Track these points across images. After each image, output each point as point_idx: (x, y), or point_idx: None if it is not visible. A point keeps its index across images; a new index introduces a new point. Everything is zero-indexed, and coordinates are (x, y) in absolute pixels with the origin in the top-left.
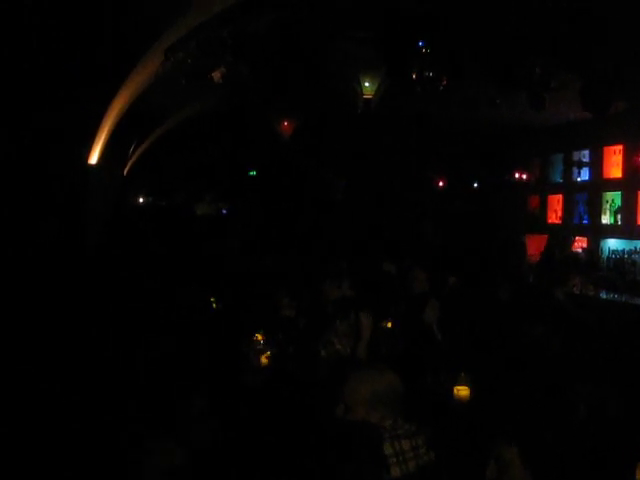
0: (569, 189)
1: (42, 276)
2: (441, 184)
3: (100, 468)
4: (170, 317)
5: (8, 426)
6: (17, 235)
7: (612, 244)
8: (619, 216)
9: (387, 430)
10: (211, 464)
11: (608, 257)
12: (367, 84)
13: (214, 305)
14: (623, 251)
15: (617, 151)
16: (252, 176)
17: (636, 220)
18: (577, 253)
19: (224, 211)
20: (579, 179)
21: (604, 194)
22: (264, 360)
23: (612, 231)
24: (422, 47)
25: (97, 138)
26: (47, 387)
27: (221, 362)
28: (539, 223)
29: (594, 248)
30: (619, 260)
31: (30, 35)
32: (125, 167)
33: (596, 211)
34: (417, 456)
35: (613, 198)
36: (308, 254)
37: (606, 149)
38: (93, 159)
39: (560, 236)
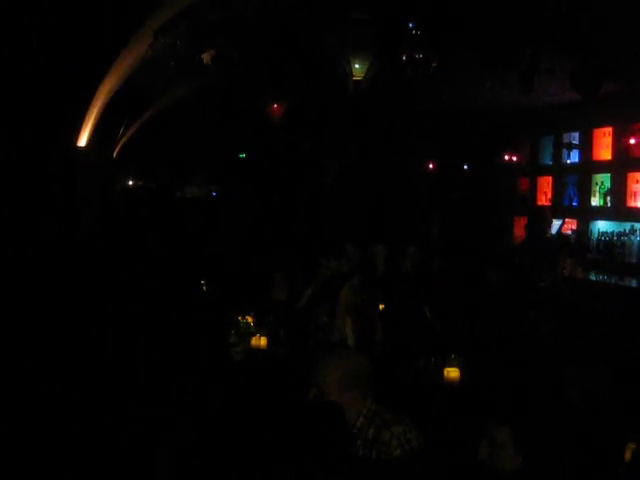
0: (559, 171)
1: (34, 262)
2: (431, 166)
3: (100, 467)
4: (162, 302)
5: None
6: (6, 220)
7: (602, 226)
8: (608, 198)
9: (365, 418)
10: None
11: (597, 239)
12: (357, 66)
13: (204, 287)
14: (612, 233)
15: (607, 133)
16: (242, 159)
17: (625, 202)
18: (567, 235)
19: (214, 194)
20: (569, 161)
21: (594, 176)
22: (254, 342)
23: (601, 213)
24: (412, 29)
25: (86, 120)
26: (43, 382)
27: (211, 344)
28: (528, 205)
29: (583, 230)
30: (608, 242)
31: (17, 15)
32: (115, 149)
33: (586, 193)
34: (402, 443)
35: (603, 180)
36: (301, 238)
37: (596, 131)
38: (82, 141)
39: (542, 215)
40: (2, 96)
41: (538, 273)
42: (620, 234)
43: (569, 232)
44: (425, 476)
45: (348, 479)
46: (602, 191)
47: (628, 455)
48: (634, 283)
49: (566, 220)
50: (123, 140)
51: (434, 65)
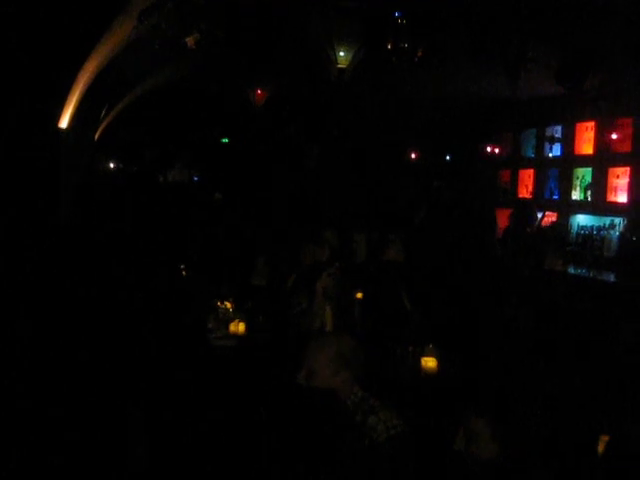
0: (540, 164)
1: (14, 245)
2: (413, 156)
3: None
4: (139, 288)
5: None
6: None
7: (581, 220)
8: (589, 192)
9: (353, 403)
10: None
11: (577, 233)
12: (342, 53)
13: (184, 273)
14: (592, 227)
15: (589, 128)
16: (224, 143)
17: (606, 197)
18: (546, 228)
19: (195, 178)
20: (551, 154)
21: (575, 170)
22: (233, 328)
23: (582, 207)
24: (398, 18)
25: (68, 101)
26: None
27: (190, 329)
28: (509, 197)
29: (563, 223)
30: (588, 236)
31: None
32: (96, 132)
33: (567, 187)
34: (388, 428)
35: (584, 174)
36: (281, 222)
37: (578, 125)
38: (64, 123)
39: (527, 209)
40: None
41: (520, 264)
42: (600, 228)
43: (549, 225)
44: (408, 461)
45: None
46: (583, 185)
47: (601, 447)
48: (612, 277)
49: (546, 213)
50: (105, 123)
51: (419, 55)
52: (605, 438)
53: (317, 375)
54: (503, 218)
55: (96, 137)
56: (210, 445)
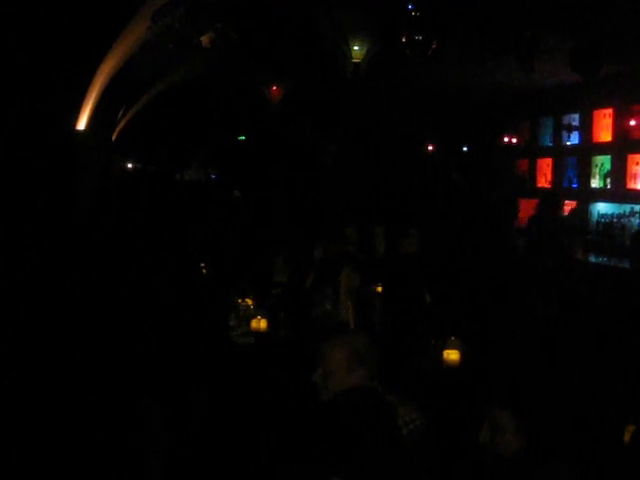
0: (559, 153)
1: (32, 245)
2: (430, 148)
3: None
4: (162, 286)
5: None
6: (3, 202)
7: (601, 208)
8: (608, 180)
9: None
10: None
11: (597, 221)
12: (356, 48)
13: (204, 271)
14: (612, 215)
15: (607, 114)
16: (241, 141)
17: (625, 184)
18: (566, 216)
19: (213, 176)
20: (569, 143)
21: (594, 158)
22: (254, 325)
23: (601, 195)
24: (412, 10)
25: (85, 103)
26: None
27: (212, 326)
28: (528, 187)
29: (583, 212)
30: (608, 224)
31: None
32: (113, 133)
33: (586, 175)
34: (407, 423)
35: (603, 162)
36: (301, 221)
37: (596, 113)
38: (81, 125)
39: (551, 199)
40: (1, 79)
41: (543, 254)
42: (620, 216)
43: (569, 214)
44: (428, 456)
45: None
46: (602, 173)
47: (627, 437)
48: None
49: (565, 202)
50: (122, 123)
51: (433, 47)
52: (631, 428)
53: (333, 374)
54: (522, 208)
55: (113, 138)
56: (228, 443)
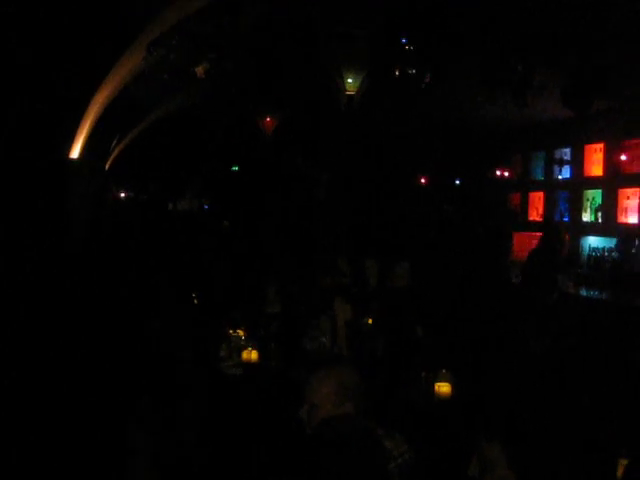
0: (550, 187)
1: (23, 274)
2: (423, 181)
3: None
4: (154, 314)
5: None
6: None
7: (592, 242)
8: (599, 214)
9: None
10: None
11: (588, 254)
12: (350, 80)
13: (195, 301)
14: (603, 249)
15: (598, 149)
16: (234, 171)
17: (616, 218)
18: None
19: (206, 207)
20: (560, 177)
21: (585, 192)
22: (245, 356)
23: (592, 229)
24: (405, 44)
25: (79, 132)
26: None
27: (202, 357)
28: (520, 220)
29: (575, 245)
30: (599, 258)
31: (9, 28)
32: (107, 161)
33: (577, 209)
34: (395, 457)
35: (594, 196)
36: (294, 251)
37: (587, 147)
38: (75, 153)
39: (557, 230)
40: None
41: (543, 290)
42: (611, 250)
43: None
44: None
45: None
46: (593, 207)
47: (620, 471)
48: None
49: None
50: (116, 152)
51: (427, 81)
52: (624, 462)
53: (319, 409)
54: (518, 241)
55: (107, 166)
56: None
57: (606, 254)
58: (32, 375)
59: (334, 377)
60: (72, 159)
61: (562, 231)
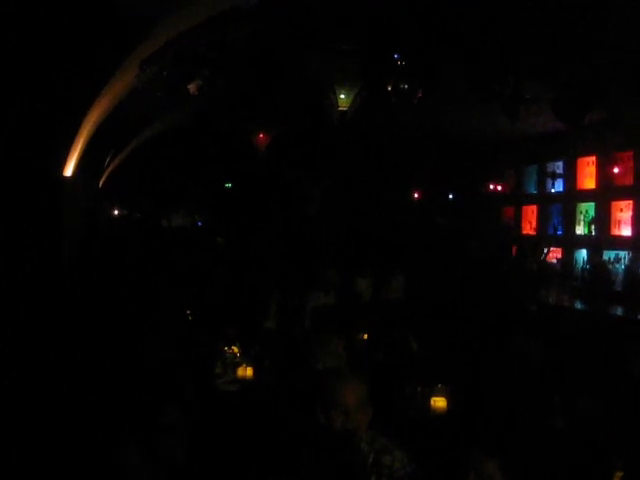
0: (543, 200)
1: (16, 293)
2: (416, 195)
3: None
4: (148, 331)
5: None
6: None
7: (586, 255)
8: (593, 227)
9: (366, 442)
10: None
11: (582, 267)
12: (342, 96)
13: (190, 317)
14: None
15: (590, 162)
16: (228, 188)
17: (609, 230)
18: (551, 264)
19: (199, 223)
20: (553, 190)
21: (578, 205)
22: (240, 372)
23: (586, 242)
24: (397, 60)
25: (72, 150)
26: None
27: (197, 374)
28: (514, 233)
29: (568, 259)
30: (593, 270)
31: (3, 47)
32: (101, 179)
33: (570, 222)
34: (404, 466)
35: (587, 209)
36: (286, 266)
37: (580, 160)
38: (68, 171)
39: (531, 244)
40: None
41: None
42: (605, 262)
43: (554, 261)
44: None
45: None
46: (586, 220)
47: None
48: (619, 311)
49: (551, 249)
50: (109, 169)
51: (419, 95)
52: (619, 474)
53: (351, 415)
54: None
55: (100, 184)
56: None
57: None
58: (31, 377)
59: (363, 383)
60: (65, 177)
61: (538, 243)
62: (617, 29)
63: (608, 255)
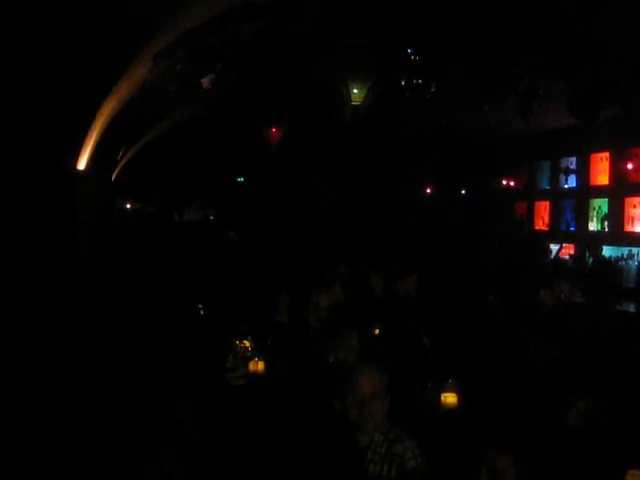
0: (556, 196)
1: (32, 288)
2: (429, 191)
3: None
4: (161, 325)
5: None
6: (5, 245)
7: (600, 251)
8: (606, 223)
9: (381, 432)
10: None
11: (593, 263)
12: (355, 90)
13: (201, 312)
14: (610, 258)
15: (604, 158)
16: (240, 182)
17: (623, 227)
18: (565, 260)
19: (212, 217)
20: (566, 186)
21: (591, 201)
22: (252, 367)
23: (599, 238)
24: (411, 54)
25: (85, 144)
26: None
27: (208, 368)
28: (526, 229)
29: (581, 255)
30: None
31: (17, 40)
32: (113, 173)
33: (583, 218)
34: (415, 456)
35: (600, 205)
36: (298, 262)
37: (593, 156)
38: (81, 165)
39: (536, 242)
40: (3, 119)
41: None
42: (618, 259)
43: (567, 257)
44: None
45: None
46: (599, 216)
47: None
48: (632, 308)
49: (564, 245)
50: (122, 163)
51: (432, 90)
52: (637, 473)
53: (367, 405)
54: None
55: (113, 178)
56: None
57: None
58: (34, 375)
59: (380, 374)
60: (79, 171)
61: (541, 240)
62: (631, 25)
63: (621, 251)
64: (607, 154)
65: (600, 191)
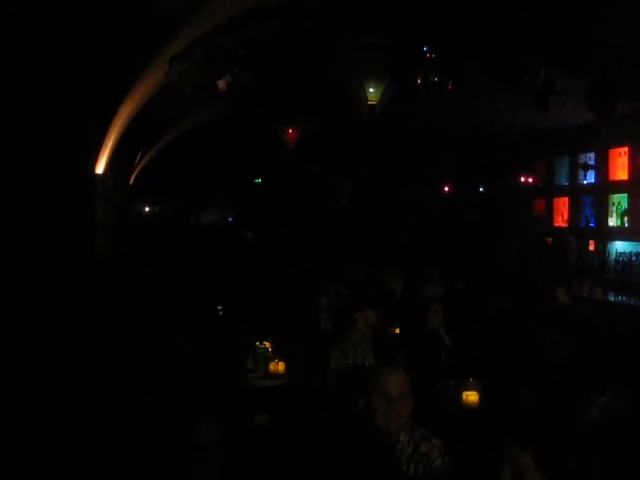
0: (575, 192)
1: (50, 290)
2: (447, 189)
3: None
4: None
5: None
6: (25, 249)
7: (619, 246)
8: (626, 218)
9: (406, 432)
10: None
11: (615, 259)
12: (371, 90)
13: (220, 312)
14: (630, 253)
15: (623, 153)
16: (258, 184)
17: None
18: (587, 257)
19: (230, 219)
20: (585, 182)
21: (610, 196)
22: (272, 367)
23: (619, 233)
24: (427, 52)
25: (103, 147)
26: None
27: (228, 369)
28: (545, 226)
29: (601, 251)
30: (626, 262)
31: (35, 45)
32: (131, 176)
33: (603, 214)
34: (442, 454)
35: (619, 200)
36: (318, 262)
37: (612, 151)
38: (100, 169)
39: (564, 240)
40: (22, 123)
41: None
42: (638, 254)
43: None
44: None
45: None
46: (619, 211)
47: None
48: None
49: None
50: (140, 166)
51: (449, 88)
52: None
53: (394, 404)
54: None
55: (131, 181)
56: None
57: (633, 259)
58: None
59: (406, 374)
60: (97, 174)
61: (570, 238)
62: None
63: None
64: (626, 149)
65: (619, 186)
